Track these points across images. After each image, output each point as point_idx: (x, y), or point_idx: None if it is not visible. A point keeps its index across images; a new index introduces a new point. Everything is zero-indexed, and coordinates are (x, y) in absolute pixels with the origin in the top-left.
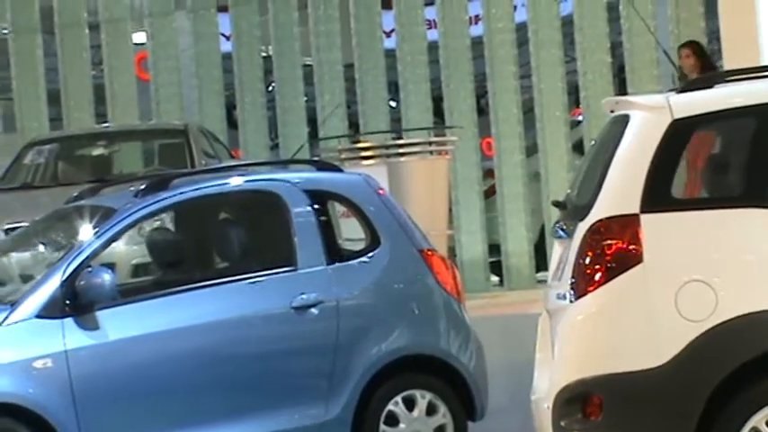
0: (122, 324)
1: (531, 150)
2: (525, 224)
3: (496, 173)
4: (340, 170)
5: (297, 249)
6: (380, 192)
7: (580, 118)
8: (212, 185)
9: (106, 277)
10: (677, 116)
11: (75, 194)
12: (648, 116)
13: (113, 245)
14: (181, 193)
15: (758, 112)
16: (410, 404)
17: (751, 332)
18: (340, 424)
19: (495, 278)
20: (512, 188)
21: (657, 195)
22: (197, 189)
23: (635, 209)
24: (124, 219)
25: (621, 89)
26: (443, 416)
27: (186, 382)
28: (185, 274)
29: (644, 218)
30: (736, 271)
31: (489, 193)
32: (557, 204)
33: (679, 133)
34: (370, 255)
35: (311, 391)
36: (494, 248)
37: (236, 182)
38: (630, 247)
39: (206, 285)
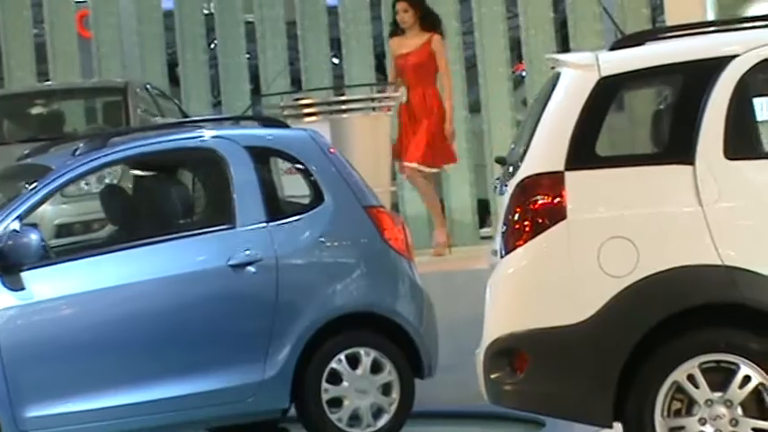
0: (52, 284)
1: (476, 107)
2: (469, 180)
3: None
4: (287, 127)
5: (235, 207)
6: (331, 150)
7: (525, 73)
8: (150, 143)
9: (33, 237)
10: (604, 74)
11: (25, 152)
12: (577, 74)
13: (47, 203)
14: (118, 152)
15: (683, 70)
16: (354, 362)
17: (671, 287)
18: (279, 382)
19: None
20: (455, 144)
21: (582, 153)
22: (134, 147)
23: (560, 166)
24: (57, 178)
25: (564, 44)
26: (389, 373)
27: (119, 341)
28: (121, 233)
29: (568, 175)
30: (658, 227)
31: None
32: (499, 161)
33: (606, 91)
34: (313, 212)
35: (249, 350)
36: None
37: (175, 139)
38: (555, 203)
39: (139, 244)
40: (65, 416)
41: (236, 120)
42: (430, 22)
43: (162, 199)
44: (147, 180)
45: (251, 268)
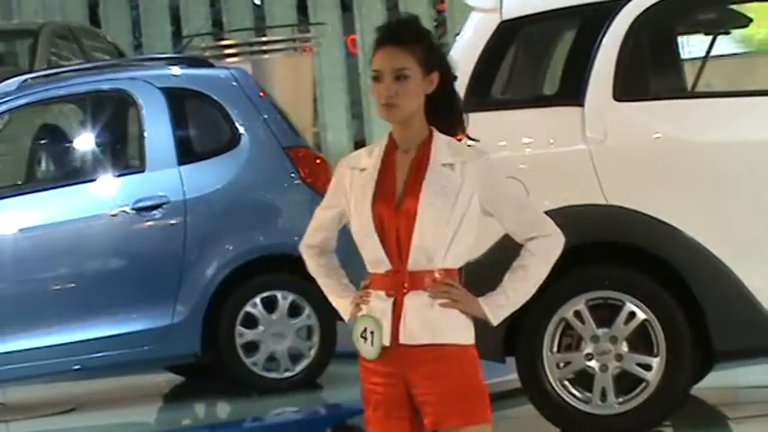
0: None
1: None
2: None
3: (360, 68)
4: (211, 66)
5: (146, 150)
6: (261, 93)
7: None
8: (61, 86)
9: None
10: (506, 17)
11: None
12: (481, 17)
13: None
14: (26, 95)
15: (580, 13)
16: (271, 306)
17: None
18: (188, 327)
19: None
20: None
21: (479, 96)
22: (44, 90)
23: None
24: None
25: None
26: (308, 317)
27: (22, 286)
28: (29, 178)
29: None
30: (547, 168)
31: None
32: None
33: (505, 34)
34: (227, 153)
35: (157, 293)
36: (360, 146)
37: (86, 82)
38: None
39: (46, 188)
40: None
41: (165, 60)
42: None
43: (73, 143)
44: (59, 123)
45: (157, 212)
